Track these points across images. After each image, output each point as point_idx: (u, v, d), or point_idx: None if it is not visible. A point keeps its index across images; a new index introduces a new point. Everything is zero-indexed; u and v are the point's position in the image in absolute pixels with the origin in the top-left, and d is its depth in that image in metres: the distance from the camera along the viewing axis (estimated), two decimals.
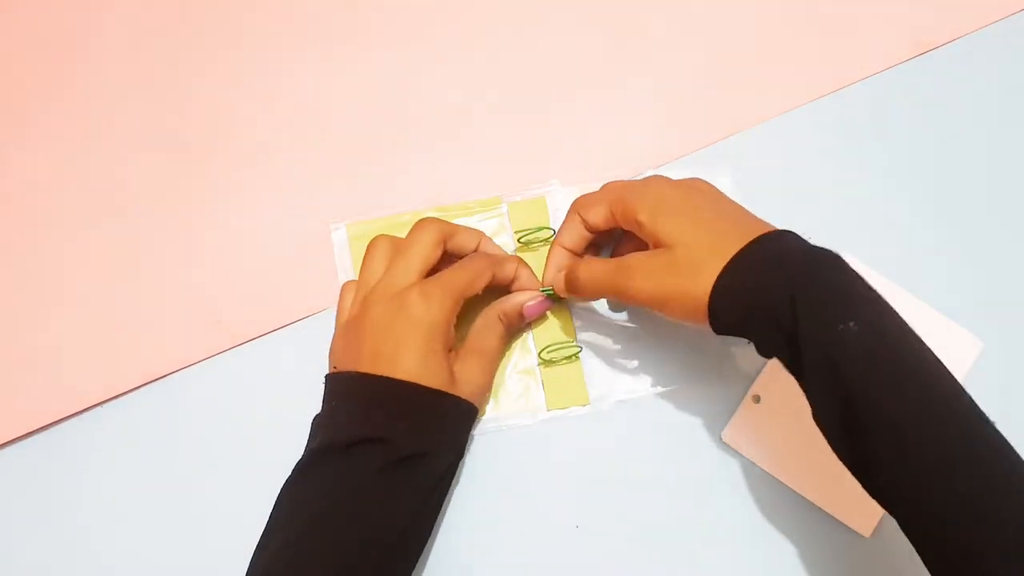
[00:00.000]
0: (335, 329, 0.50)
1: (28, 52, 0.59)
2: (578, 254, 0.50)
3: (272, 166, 0.56)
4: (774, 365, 0.47)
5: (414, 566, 0.46)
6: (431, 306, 0.45)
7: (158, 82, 0.58)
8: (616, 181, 0.51)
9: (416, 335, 0.44)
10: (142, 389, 0.52)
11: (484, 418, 0.51)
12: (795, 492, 0.49)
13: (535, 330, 0.53)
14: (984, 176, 0.57)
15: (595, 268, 0.47)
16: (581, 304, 0.53)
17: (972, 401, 0.39)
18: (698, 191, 0.47)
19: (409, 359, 0.44)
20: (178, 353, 0.52)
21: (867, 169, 0.56)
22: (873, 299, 0.40)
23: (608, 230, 0.49)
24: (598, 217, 0.48)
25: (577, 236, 0.49)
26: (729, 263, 0.41)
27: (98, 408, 0.52)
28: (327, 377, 0.48)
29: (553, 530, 0.50)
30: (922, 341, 0.40)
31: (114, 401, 0.52)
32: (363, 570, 0.42)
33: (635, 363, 0.52)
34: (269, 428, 0.51)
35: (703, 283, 0.41)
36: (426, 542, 0.47)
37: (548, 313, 0.52)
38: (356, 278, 0.51)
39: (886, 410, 0.37)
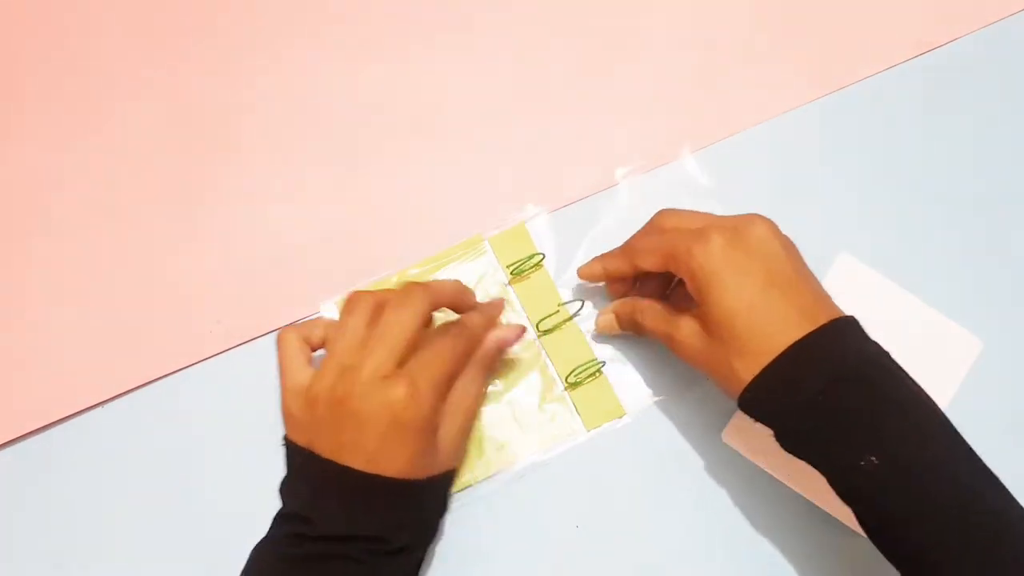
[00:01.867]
0: (287, 387, 0.46)
1: (27, 51, 0.59)
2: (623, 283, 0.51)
3: (272, 166, 0.56)
4: None
5: None
6: (421, 407, 0.42)
7: (158, 81, 0.58)
8: (669, 220, 0.47)
9: (411, 438, 0.43)
10: (142, 389, 0.52)
11: (527, 453, 0.51)
12: (795, 492, 0.49)
13: (555, 359, 0.52)
14: (984, 176, 0.57)
15: (652, 317, 0.47)
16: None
17: (1013, 507, 0.39)
18: (753, 255, 0.43)
19: (402, 460, 0.42)
20: (177, 353, 0.52)
21: (867, 169, 0.56)
22: (904, 417, 0.40)
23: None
24: (650, 265, 0.46)
25: (625, 269, 0.49)
26: (759, 375, 0.41)
27: (98, 408, 0.52)
28: (298, 451, 0.44)
29: (553, 530, 0.50)
30: (955, 438, 0.40)
31: (114, 401, 0.52)
32: None
33: (634, 366, 0.52)
34: (268, 429, 0.51)
35: (736, 380, 0.42)
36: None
37: (563, 338, 0.52)
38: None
39: (912, 542, 0.38)
